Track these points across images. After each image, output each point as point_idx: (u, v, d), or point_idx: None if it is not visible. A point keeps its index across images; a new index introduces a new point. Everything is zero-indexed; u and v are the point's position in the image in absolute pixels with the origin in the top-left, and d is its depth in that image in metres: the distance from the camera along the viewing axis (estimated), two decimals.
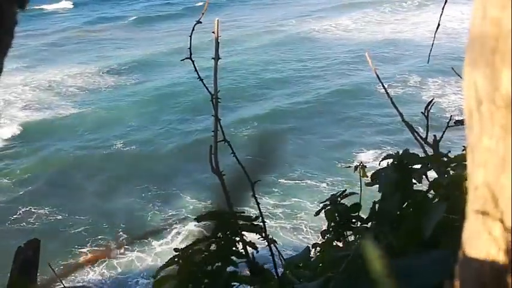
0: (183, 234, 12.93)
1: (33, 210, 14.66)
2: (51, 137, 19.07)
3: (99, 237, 13.12)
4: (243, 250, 1.76)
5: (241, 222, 1.65)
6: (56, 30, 35.41)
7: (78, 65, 27.23)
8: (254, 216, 1.71)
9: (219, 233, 1.62)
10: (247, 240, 1.75)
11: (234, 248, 1.65)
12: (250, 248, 1.80)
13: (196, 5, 39.84)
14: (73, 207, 14.63)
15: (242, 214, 1.68)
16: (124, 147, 18.12)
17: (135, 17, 38.45)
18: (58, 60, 28.44)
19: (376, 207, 1.76)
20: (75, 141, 18.67)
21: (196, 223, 1.67)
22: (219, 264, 1.61)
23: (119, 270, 12.17)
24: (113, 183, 15.82)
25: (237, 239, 1.66)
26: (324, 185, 14.68)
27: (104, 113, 20.83)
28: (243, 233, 1.71)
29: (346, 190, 2.16)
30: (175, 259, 1.62)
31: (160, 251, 12.42)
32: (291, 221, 13.51)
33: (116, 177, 16.11)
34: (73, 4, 44.43)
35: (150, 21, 37.31)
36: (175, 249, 1.64)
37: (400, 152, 1.77)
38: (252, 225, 1.69)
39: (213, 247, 1.61)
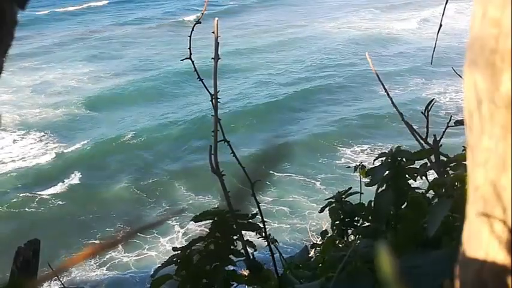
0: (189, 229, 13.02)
1: (29, 195, 14.90)
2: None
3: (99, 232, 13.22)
4: (242, 249, 1.76)
5: (238, 221, 1.65)
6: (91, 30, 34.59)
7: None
8: (251, 214, 1.71)
9: (217, 233, 1.62)
10: (247, 239, 1.75)
11: (232, 247, 1.64)
12: (251, 247, 1.80)
13: (246, 2, 39.39)
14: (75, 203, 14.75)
15: (239, 213, 1.68)
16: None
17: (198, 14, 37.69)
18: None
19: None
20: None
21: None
22: (218, 263, 1.61)
23: (132, 269, 12.20)
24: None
25: (235, 238, 1.65)
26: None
27: None
28: (241, 231, 1.71)
29: (351, 188, 2.16)
30: (174, 258, 1.62)
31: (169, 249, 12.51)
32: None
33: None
34: (108, 2, 43.14)
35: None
36: (174, 249, 1.64)
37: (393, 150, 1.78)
38: (249, 223, 1.69)
39: (211, 246, 1.61)
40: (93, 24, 35.86)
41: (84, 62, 27.25)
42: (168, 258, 1.65)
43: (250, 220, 1.71)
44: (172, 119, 20.08)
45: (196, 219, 1.65)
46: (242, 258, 1.69)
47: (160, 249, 12.73)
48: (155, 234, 13.12)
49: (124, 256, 12.59)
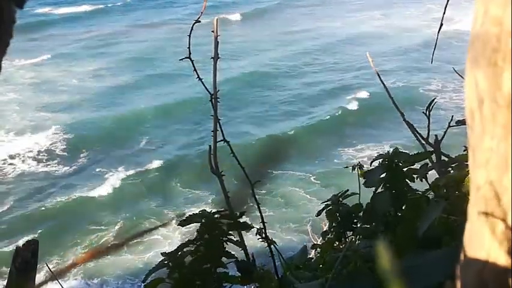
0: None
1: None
2: None
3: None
4: (242, 251, 1.75)
5: (227, 222, 1.64)
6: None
7: None
8: (239, 213, 1.70)
9: (206, 235, 1.62)
10: (244, 240, 1.74)
11: (223, 249, 1.64)
12: (250, 248, 1.80)
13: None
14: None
15: (226, 213, 1.67)
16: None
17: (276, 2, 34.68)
18: None
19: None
20: None
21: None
22: (208, 265, 1.61)
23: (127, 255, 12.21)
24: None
25: (225, 239, 1.65)
26: None
27: None
28: (237, 232, 1.70)
29: (348, 190, 2.15)
30: (165, 262, 1.61)
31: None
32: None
33: None
34: None
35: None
36: (163, 254, 1.63)
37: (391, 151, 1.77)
38: (238, 223, 1.68)
39: (201, 249, 1.61)
40: (134, 20, 33.83)
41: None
42: (159, 262, 1.64)
43: (239, 220, 1.69)
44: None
45: (182, 223, 1.65)
46: (233, 260, 1.68)
47: (161, 232, 12.74)
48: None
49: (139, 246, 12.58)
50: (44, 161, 17.12)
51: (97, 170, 16.42)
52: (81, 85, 22.90)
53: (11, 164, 16.85)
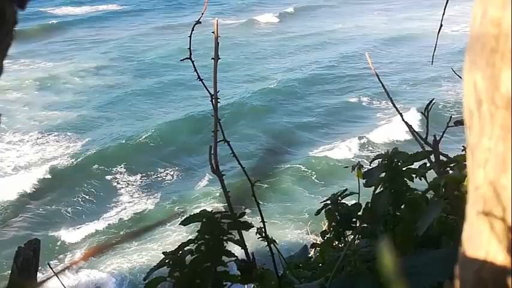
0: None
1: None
2: None
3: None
4: (243, 250, 1.76)
5: (227, 221, 1.65)
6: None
7: None
8: (239, 213, 1.71)
9: (206, 234, 1.62)
10: (244, 239, 1.75)
11: (223, 248, 1.64)
12: (250, 248, 1.80)
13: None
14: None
15: (226, 213, 1.68)
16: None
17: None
18: None
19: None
20: None
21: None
22: (208, 264, 1.61)
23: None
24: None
25: (225, 238, 1.65)
26: None
27: None
28: (237, 231, 1.71)
29: (346, 189, 2.14)
30: (166, 261, 1.62)
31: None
32: None
33: None
34: None
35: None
36: (164, 253, 1.64)
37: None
38: (238, 222, 1.68)
39: (202, 248, 1.61)
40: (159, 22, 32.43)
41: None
42: (159, 260, 1.64)
43: (239, 219, 1.70)
44: None
45: (184, 222, 1.65)
46: (233, 259, 1.69)
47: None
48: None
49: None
50: None
51: None
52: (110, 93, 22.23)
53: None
